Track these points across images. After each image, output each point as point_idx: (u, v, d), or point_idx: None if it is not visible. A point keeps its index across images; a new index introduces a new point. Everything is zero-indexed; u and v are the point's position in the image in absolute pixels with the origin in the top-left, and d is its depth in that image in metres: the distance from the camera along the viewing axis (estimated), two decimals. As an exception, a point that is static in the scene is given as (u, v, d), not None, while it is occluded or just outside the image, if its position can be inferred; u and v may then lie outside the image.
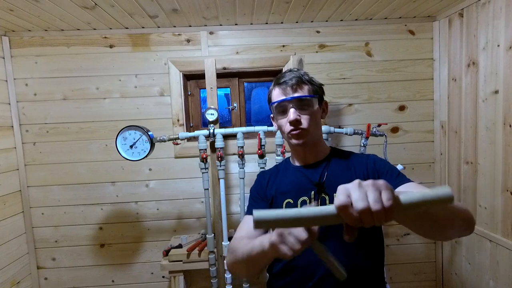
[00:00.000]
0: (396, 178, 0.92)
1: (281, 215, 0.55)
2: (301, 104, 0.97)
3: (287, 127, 0.98)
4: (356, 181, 0.54)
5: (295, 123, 0.96)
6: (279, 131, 1.20)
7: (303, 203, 0.98)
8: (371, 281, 0.94)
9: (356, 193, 0.52)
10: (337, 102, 2.04)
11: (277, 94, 0.99)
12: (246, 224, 1.00)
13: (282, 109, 0.99)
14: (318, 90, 1.01)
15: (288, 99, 0.96)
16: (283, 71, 1.03)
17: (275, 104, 0.99)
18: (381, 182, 0.53)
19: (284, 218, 0.55)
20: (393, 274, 2.14)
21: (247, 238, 0.91)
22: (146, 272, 2.07)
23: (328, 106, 1.07)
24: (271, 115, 1.10)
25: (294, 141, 0.99)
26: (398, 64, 2.03)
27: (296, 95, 0.96)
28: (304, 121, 0.97)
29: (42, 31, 1.90)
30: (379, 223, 0.52)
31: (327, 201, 0.96)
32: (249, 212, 1.05)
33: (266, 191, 1.08)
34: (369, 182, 0.53)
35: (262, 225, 0.55)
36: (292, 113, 0.95)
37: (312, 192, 0.97)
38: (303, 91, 0.97)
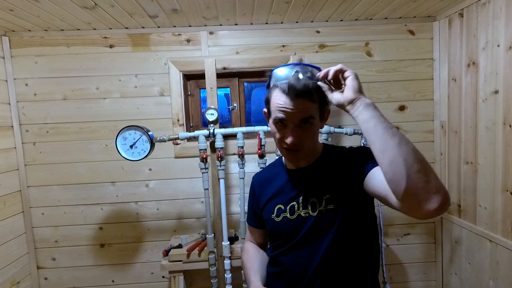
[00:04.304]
0: (370, 163, 0.88)
1: None
2: (303, 121, 0.88)
3: (282, 141, 0.91)
4: None
5: (293, 145, 0.89)
6: None
7: (291, 208, 0.97)
8: (360, 283, 0.95)
9: None
10: (337, 102, 2.04)
11: (279, 102, 0.88)
12: (248, 232, 1.22)
13: (281, 120, 0.89)
14: (323, 99, 0.91)
15: (291, 115, 0.86)
16: (290, 62, 0.93)
17: (275, 117, 0.90)
18: None
19: None
20: (393, 274, 2.14)
21: (252, 249, 1.16)
22: (146, 272, 2.07)
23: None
24: (264, 110, 0.99)
25: (286, 155, 0.96)
26: (398, 64, 2.03)
27: (302, 115, 0.86)
28: (302, 138, 0.89)
29: (42, 31, 1.90)
30: None
31: (317, 206, 0.93)
32: (247, 221, 1.20)
33: (260, 199, 1.08)
34: None
35: None
36: (291, 136, 0.88)
37: (301, 197, 0.96)
38: (310, 109, 0.87)
